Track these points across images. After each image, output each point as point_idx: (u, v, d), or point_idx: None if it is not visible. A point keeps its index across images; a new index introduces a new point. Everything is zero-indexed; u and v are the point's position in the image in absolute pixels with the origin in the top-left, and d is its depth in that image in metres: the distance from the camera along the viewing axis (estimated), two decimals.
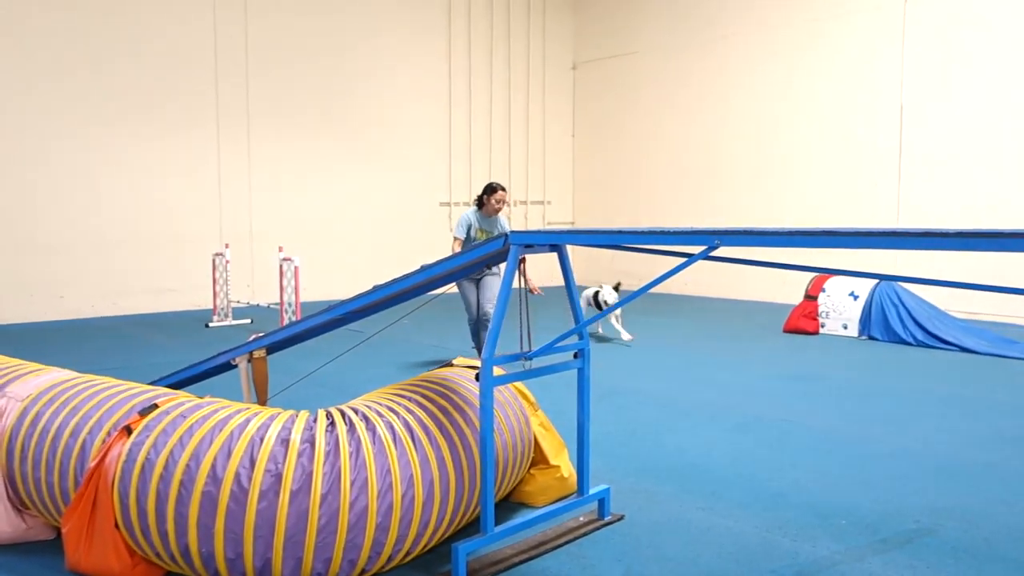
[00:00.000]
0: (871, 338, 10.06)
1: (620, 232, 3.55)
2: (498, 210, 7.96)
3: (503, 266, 6.36)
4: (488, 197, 7.90)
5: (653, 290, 3.86)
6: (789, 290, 13.18)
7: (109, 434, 3.59)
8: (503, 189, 7.97)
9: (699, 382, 7.67)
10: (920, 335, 9.60)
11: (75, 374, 4.33)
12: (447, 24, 15.94)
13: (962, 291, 11.09)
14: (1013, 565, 3.73)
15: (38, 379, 4.20)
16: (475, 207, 8.05)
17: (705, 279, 14.52)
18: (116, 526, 3.44)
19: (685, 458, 5.31)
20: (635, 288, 13.61)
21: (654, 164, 16.21)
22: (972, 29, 11.73)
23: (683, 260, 3.62)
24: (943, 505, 4.46)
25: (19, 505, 3.95)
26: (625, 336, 9.42)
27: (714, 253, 3.34)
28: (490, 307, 7.83)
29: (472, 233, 7.97)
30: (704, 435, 5.87)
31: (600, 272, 16.21)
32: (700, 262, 3.43)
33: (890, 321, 9.88)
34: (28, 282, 11.94)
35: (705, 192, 15.30)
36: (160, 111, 12.91)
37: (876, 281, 10.17)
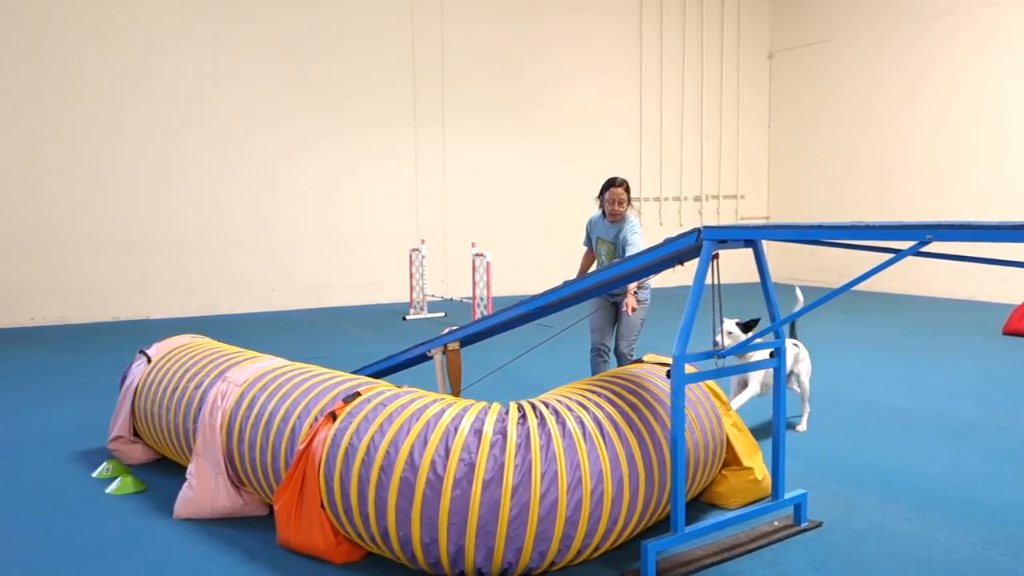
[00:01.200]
0: None
1: (821, 227, 3.38)
2: (617, 213, 5.94)
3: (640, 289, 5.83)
4: (600, 198, 6.03)
5: (853, 288, 3.66)
6: (1009, 288, 12.17)
7: (316, 419, 3.81)
8: (618, 184, 5.94)
9: (906, 385, 7.21)
10: None
11: (285, 362, 4.63)
12: (639, 15, 15.80)
13: None
14: None
15: (254, 366, 4.52)
16: (600, 210, 6.14)
17: (911, 276, 13.64)
18: (322, 506, 3.64)
19: (890, 465, 5.00)
20: (835, 286, 12.96)
21: (855, 155, 15.38)
22: None
23: (889, 256, 3.41)
24: None
25: (237, 482, 4.26)
26: (803, 423, 5.80)
27: (925, 248, 3.13)
28: (625, 344, 5.92)
29: (593, 243, 6.21)
30: (911, 442, 5.52)
31: (797, 268, 15.59)
32: (907, 258, 3.22)
33: None
34: (244, 277, 12.92)
35: (910, 184, 14.35)
36: (361, 112, 13.58)
37: None
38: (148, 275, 12.31)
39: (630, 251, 5.78)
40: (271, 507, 4.15)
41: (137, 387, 5.13)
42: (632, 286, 5.52)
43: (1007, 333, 9.86)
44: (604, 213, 6.03)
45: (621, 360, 5.91)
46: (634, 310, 5.63)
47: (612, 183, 5.95)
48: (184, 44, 12.35)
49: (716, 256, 3.81)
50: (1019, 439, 5.53)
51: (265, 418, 4.04)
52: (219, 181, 12.69)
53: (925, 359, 8.42)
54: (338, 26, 13.35)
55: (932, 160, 13.99)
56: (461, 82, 14.30)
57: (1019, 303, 10.16)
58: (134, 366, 5.32)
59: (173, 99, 12.32)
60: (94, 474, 4.98)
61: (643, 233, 5.95)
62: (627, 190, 5.97)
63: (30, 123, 11.52)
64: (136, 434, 5.22)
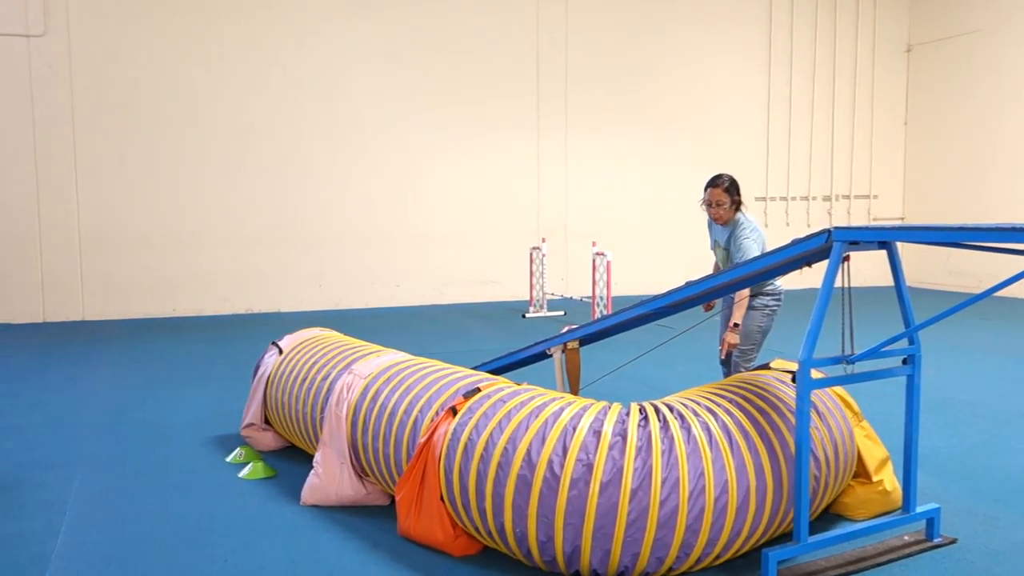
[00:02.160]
0: None
1: (964, 229, 3.21)
2: (718, 216, 5.33)
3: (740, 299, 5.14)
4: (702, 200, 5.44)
5: (996, 293, 3.46)
6: None
7: (437, 413, 3.87)
8: (716, 184, 5.27)
9: None
10: None
11: (408, 356, 4.73)
12: (768, 5, 15.35)
13: None
14: None
15: (378, 359, 4.64)
16: None
17: None
18: (441, 499, 3.71)
19: None
20: (975, 291, 12.31)
21: (1000, 153, 14.53)
22: None
23: None
24: None
25: (360, 472, 4.38)
26: None
27: None
28: (737, 352, 5.25)
29: (711, 244, 5.65)
30: None
31: (932, 272, 14.88)
32: None
33: None
34: (370, 273, 13.27)
35: None
36: (485, 112, 13.71)
37: None
38: (281, 270, 12.80)
39: (739, 259, 5.17)
40: (392, 498, 4.25)
41: (269, 377, 5.34)
42: (738, 310, 5.10)
43: None
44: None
45: (730, 368, 5.38)
46: (731, 346, 5.13)
47: (711, 182, 5.31)
48: (318, 47, 12.76)
49: (847, 258, 3.68)
50: None
51: (388, 410, 4.14)
52: (348, 180, 13.06)
53: None
54: (463, 24, 13.52)
55: None
56: (584, 82, 14.25)
57: None
58: (266, 357, 5.54)
59: (307, 99, 12.76)
60: (228, 459, 5.22)
61: (759, 237, 5.25)
62: (727, 190, 5.26)
63: (170, 122, 12.14)
64: (267, 422, 5.44)
